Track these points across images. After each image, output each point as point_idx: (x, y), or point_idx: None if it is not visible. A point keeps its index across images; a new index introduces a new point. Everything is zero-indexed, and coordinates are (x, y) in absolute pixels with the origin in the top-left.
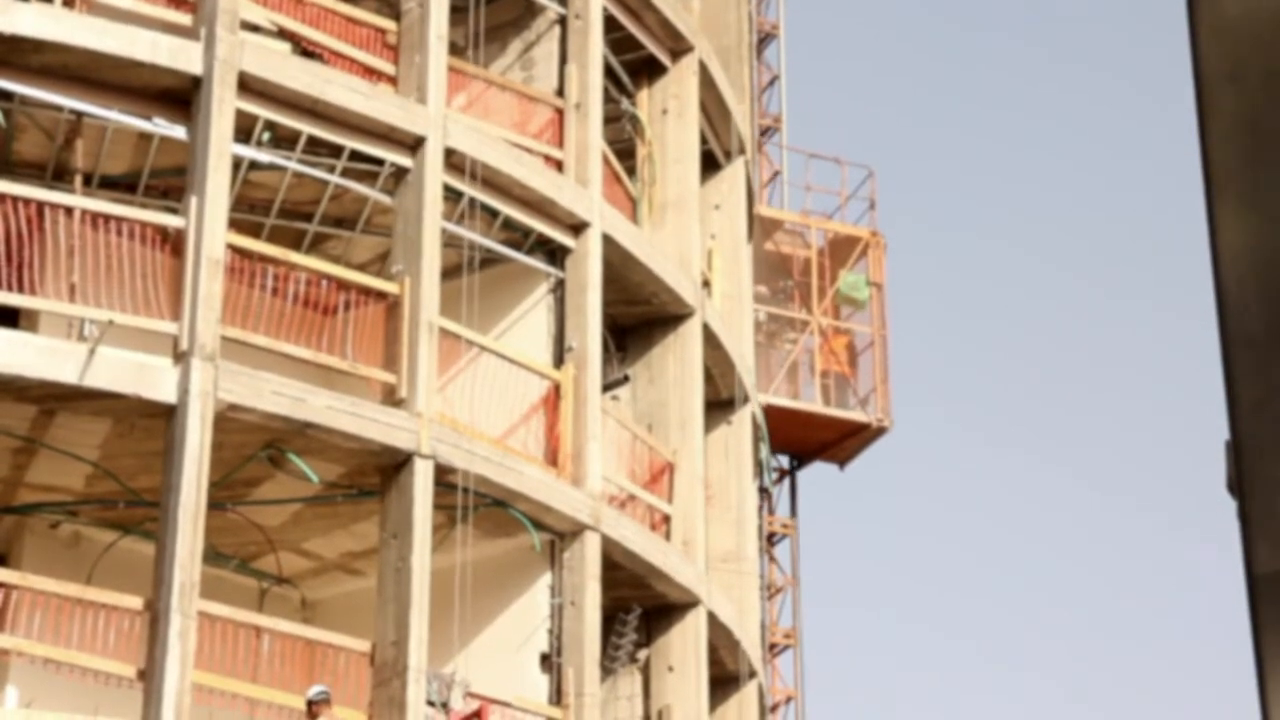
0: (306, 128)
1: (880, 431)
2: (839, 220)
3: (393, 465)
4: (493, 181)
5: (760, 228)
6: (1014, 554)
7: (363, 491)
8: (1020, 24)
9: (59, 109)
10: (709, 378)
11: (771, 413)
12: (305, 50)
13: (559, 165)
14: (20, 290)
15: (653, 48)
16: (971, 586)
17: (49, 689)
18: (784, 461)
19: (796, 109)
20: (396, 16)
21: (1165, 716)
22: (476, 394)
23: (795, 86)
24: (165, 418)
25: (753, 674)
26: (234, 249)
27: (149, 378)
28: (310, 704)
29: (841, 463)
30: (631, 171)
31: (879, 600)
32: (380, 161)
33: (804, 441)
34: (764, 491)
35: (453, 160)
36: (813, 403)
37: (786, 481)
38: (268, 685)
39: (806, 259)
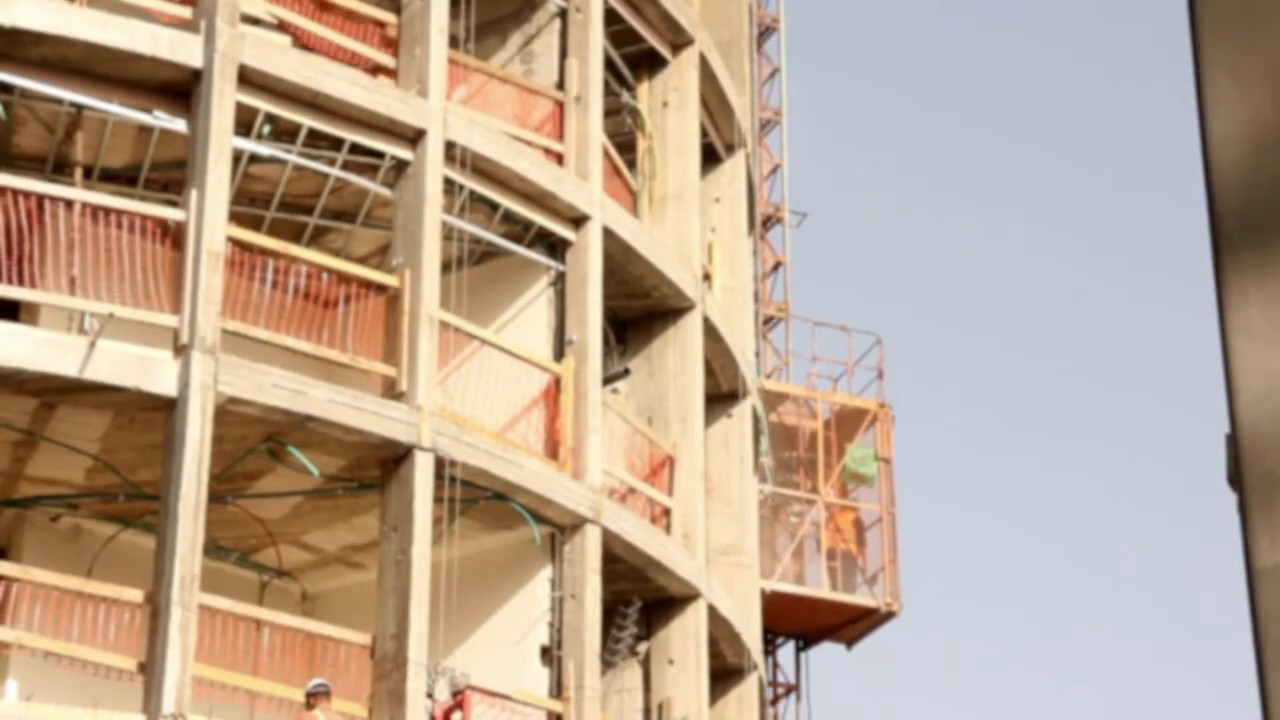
0: (307, 121)
1: (889, 616)
2: (845, 392)
3: (393, 458)
4: (493, 174)
5: (765, 401)
6: None
7: (363, 485)
8: (1023, 13)
9: (59, 102)
10: (709, 371)
11: (777, 599)
12: (305, 44)
13: (559, 158)
14: (20, 283)
15: (653, 41)
16: None
17: (49, 682)
18: (791, 643)
19: (797, 102)
20: (397, 10)
21: (1165, 713)
22: (477, 387)
23: (796, 79)
24: (165, 411)
25: (753, 667)
26: (234, 242)
27: (149, 371)
28: (309, 696)
29: (849, 643)
30: (632, 165)
31: None
32: (380, 155)
33: (811, 625)
34: (770, 656)
35: (453, 153)
36: (819, 587)
37: (794, 659)
38: (268, 678)
39: (813, 431)
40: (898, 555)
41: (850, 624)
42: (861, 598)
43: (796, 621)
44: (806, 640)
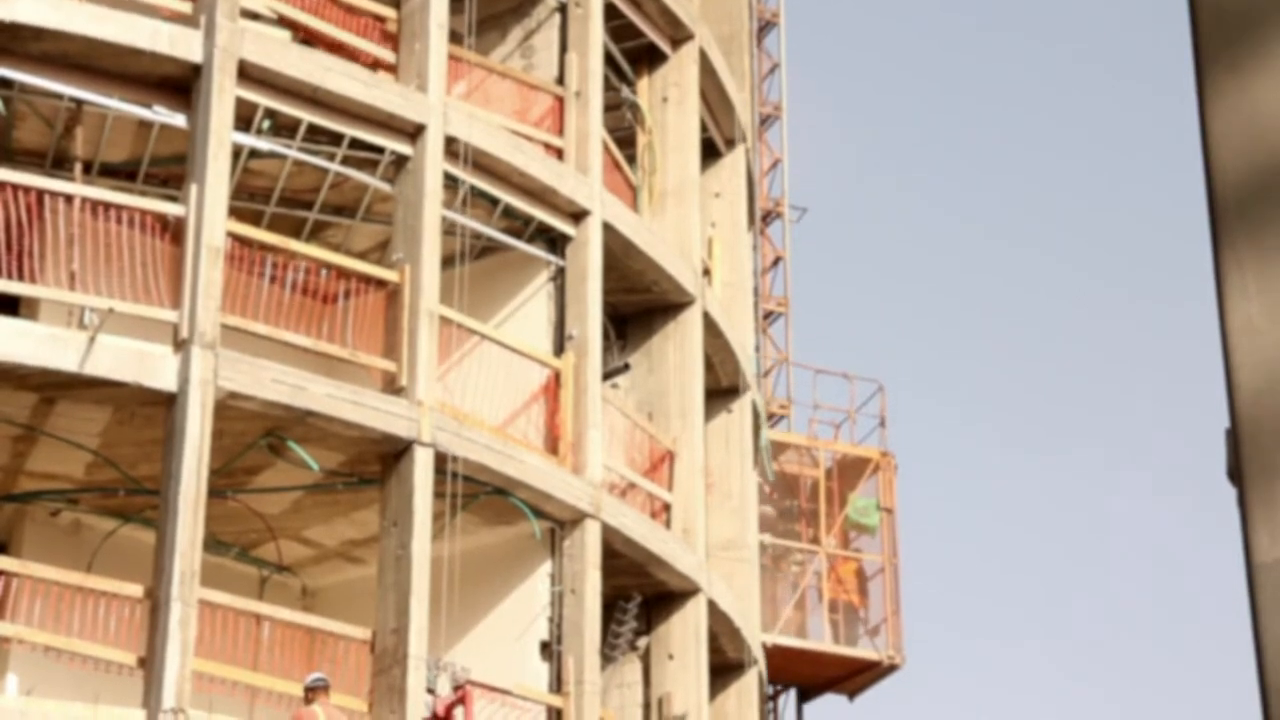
0: (306, 116)
1: (891, 669)
2: (847, 440)
3: (393, 453)
4: (493, 169)
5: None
6: None
7: (363, 479)
8: (1023, 10)
9: (59, 97)
10: (709, 366)
11: (779, 652)
12: (305, 39)
13: (559, 153)
14: (20, 278)
15: (653, 35)
16: None
17: (49, 676)
18: (791, 694)
19: (797, 97)
20: (396, 4)
21: (1167, 709)
22: (477, 382)
23: (796, 74)
24: (165, 406)
25: (753, 662)
26: (234, 237)
27: (149, 366)
28: (308, 690)
29: (851, 695)
30: (632, 159)
31: None
32: (380, 149)
33: (812, 677)
34: (771, 708)
35: (453, 148)
36: (821, 640)
37: (795, 712)
38: (268, 673)
39: (814, 480)
40: (900, 606)
41: (852, 676)
42: (864, 650)
43: (798, 674)
44: (808, 692)
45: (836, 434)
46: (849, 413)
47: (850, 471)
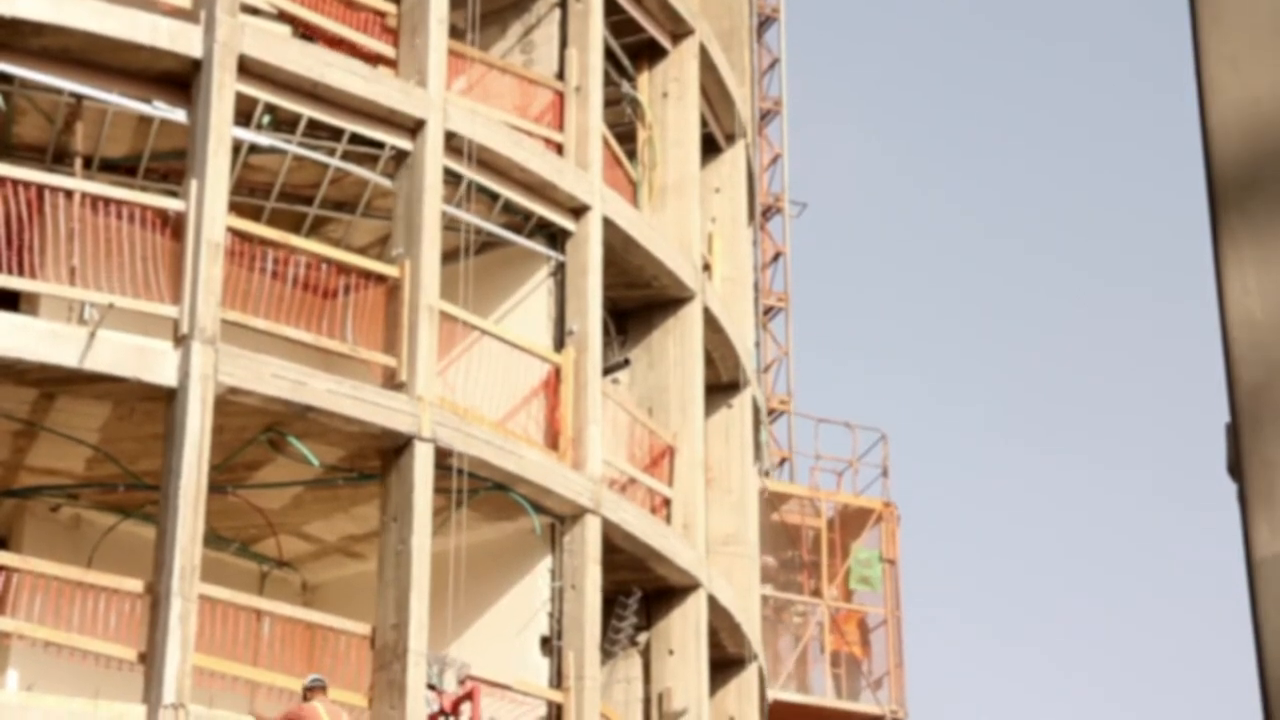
0: (307, 111)
1: None
2: (849, 490)
3: (393, 448)
4: (493, 165)
5: (766, 501)
6: None
7: (363, 475)
8: (1023, 6)
9: (59, 92)
10: (709, 361)
11: (781, 707)
12: (305, 34)
13: (559, 148)
14: (20, 273)
15: (653, 31)
16: None
17: (50, 672)
18: None
19: (797, 92)
20: (396, 0)
21: (1168, 705)
22: (477, 377)
23: (796, 69)
24: (165, 401)
25: (753, 657)
26: (234, 232)
27: (149, 361)
28: (306, 690)
29: None
30: (632, 155)
31: None
32: (380, 145)
33: None
34: None
35: (453, 143)
36: (823, 695)
37: None
38: (268, 668)
39: (816, 531)
40: (903, 659)
41: None
42: (866, 705)
43: None
44: None
45: (839, 483)
46: (851, 462)
47: (852, 522)
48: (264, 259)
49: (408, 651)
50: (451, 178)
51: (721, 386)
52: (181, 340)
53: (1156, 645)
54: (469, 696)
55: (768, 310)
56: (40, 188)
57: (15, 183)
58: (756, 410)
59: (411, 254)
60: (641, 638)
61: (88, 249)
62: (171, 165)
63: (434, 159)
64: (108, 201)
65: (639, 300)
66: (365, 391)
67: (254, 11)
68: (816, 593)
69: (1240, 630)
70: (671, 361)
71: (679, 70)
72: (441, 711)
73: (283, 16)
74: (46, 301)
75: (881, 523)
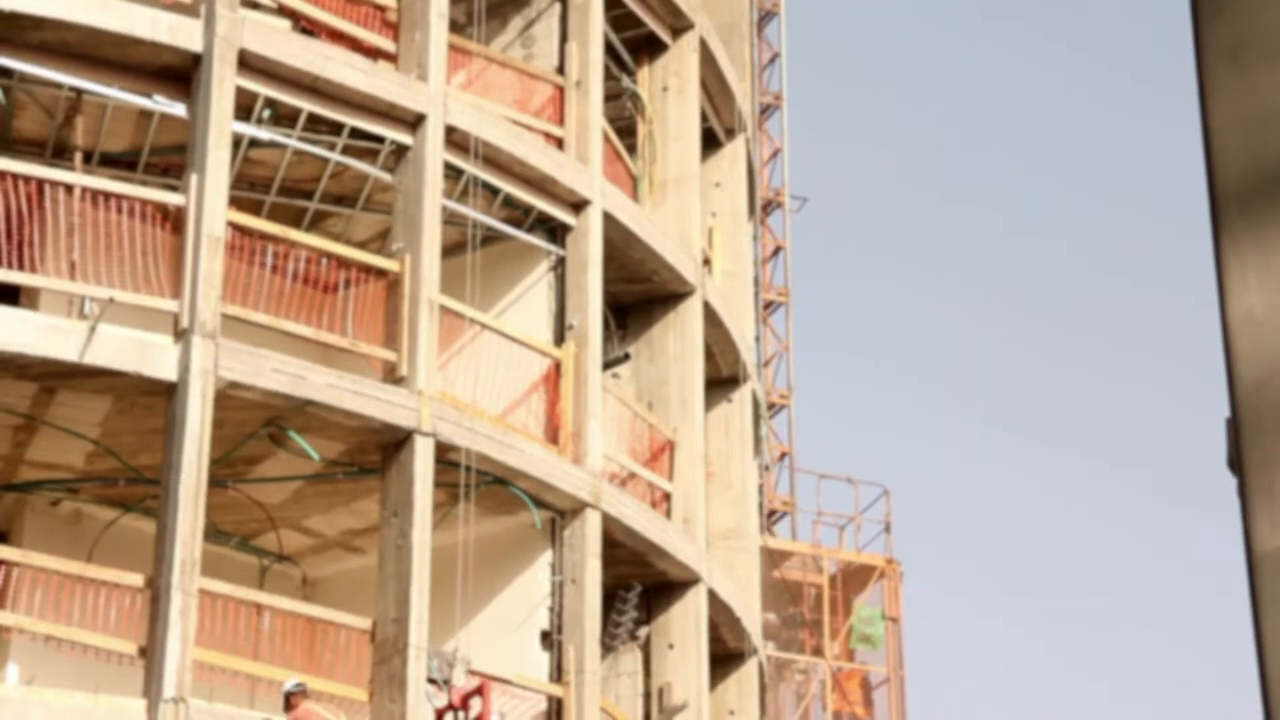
0: (307, 105)
1: None
2: (851, 546)
3: (393, 443)
4: (493, 159)
5: (768, 558)
6: None
7: (363, 469)
8: (1023, 2)
9: (59, 86)
10: (709, 355)
11: None
12: (305, 28)
13: (559, 143)
14: (21, 268)
15: (653, 25)
16: None
17: (50, 666)
18: None
19: (797, 87)
20: None
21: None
22: (477, 372)
23: (796, 64)
24: (166, 395)
25: (753, 651)
26: (234, 226)
27: (149, 355)
28: (290, 695)
29: None
30: (632, 149)
31: None
32: (381, 139)
33: None
34: None
35: (453, 138)
36: None
37: None
38: (268, 663)
39: (818, 588)
40: (906, 717)
41: None
42: None
43: None
44: None
45: (841, 539)
46: (853, 517)
47: (855, 579)
48: (264, 253)
49: (408, 646)
50: (452, 172)
51: (721, 381)
52: (181, 334)
53: (1160, 679)
54: (478, 691)
55: (768, 305)
56: (40, 182)
57: (15, 177)
58: (756, 405)
59: (412, 248)
60: (642, 632)
61: (88, 243)
62: (172, 160)
63: (434, 153)
64: (108, 196)
65: (639, 295)
66: (365, 386)
67: (254, 6)
68: (818, 651)
69: (1241, 625)
70: (672, 356)
71: (679, 65)
72: (450, 706)
73: (283, 11)
74: (47, 296)
75: (884, 579)
